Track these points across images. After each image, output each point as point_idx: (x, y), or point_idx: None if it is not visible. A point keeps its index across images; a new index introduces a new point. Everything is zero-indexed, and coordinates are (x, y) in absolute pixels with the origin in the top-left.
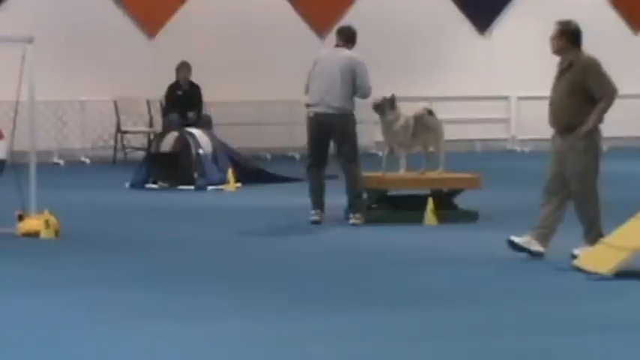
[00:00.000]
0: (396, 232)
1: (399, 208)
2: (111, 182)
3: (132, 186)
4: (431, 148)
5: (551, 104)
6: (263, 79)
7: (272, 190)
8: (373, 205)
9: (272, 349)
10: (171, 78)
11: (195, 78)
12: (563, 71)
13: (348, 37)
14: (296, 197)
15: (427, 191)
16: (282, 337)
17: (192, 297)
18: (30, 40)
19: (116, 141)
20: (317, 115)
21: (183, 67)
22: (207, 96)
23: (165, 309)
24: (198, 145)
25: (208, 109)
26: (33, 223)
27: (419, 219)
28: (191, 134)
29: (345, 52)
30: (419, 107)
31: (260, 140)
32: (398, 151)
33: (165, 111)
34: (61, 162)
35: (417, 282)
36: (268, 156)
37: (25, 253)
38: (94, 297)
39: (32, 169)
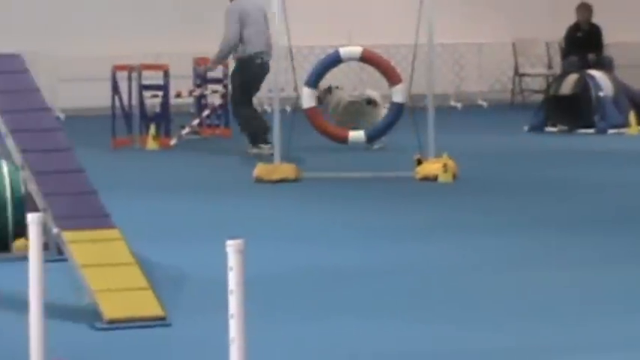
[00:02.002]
0: None
1: None
2: (508, 125)
3: (530, 129)
4: None
5: None
6: None
7: None
8: None
9: None
10: (570, 19)
11: (596, 19)
12: None
13: None
14: None
15: None
16: None
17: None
18: None
19: (514, 84)
20: (266, 63)
21: (583, 8)
22: (608, 37)
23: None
24: (598, 88)
25: (609, 51)
26: (431, 166)
27: None
28: (591, 76)
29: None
30: (364, 94)
31: None
32: None
33: (565, 53)
34: (458, 105)
35: None
36: None
37: (423, 197)
38: (479, 243)
39: (430, 113)
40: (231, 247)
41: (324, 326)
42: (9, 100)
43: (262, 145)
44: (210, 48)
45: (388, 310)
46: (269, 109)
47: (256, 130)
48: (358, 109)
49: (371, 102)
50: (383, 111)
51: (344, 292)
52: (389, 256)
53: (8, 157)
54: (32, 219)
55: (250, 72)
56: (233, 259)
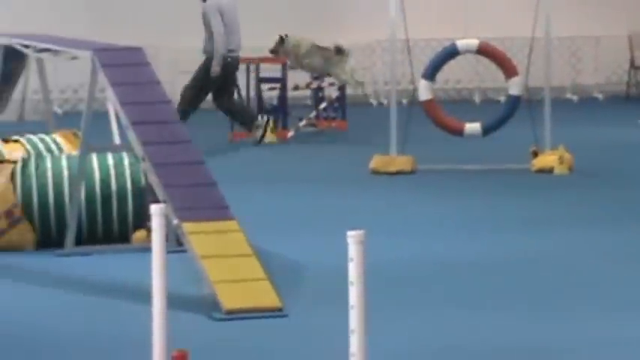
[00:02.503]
0: None
1: None
2: (624, 118)
3: None
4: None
5: None
6: None
7: None
8: None
9: None
10: None
11: None
12: None
13: None
14: None
15: None
16: None
17: None
18: None
19: (630, 76)
20: (236, 60)
21: None
22: None
23: None
24: None
25: None
26: (547, 159)
27: None
28: None
29: None
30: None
31: None
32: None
33: None
34: (574, 98)
35: None
36: None
37: (539, 189)
38: (596, 236)
39: (547, 105)
40: (352, 238)
41: (441, 317)
42: (131, 93)
43: (256, 122)
44: (330, 39)
45: (505, 304)
46: (385, 102)
47: (244, 116)
48: (327, 57)
49: (340, 51)
50: (349, 63)
51: (460, 284)
52: (504, 249)
53: (129, 149)
54: (155, 210)
55: (226, 69)
56: (354, 250)
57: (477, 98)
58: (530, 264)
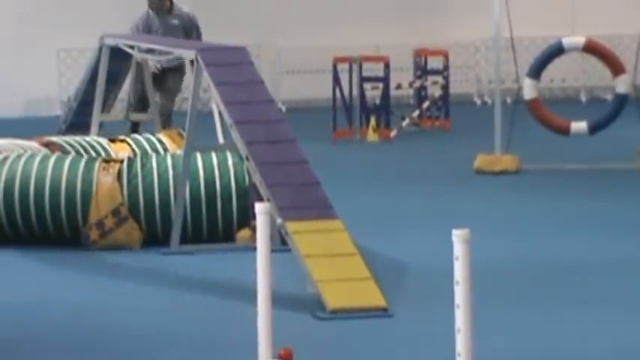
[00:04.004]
0: None
1: None
2: None
3: None
4: None
5: None
6: None
7: None
8: None
9: None
10: None
11: None
12: None
13: None
14: None
15: None
16: None
17: None
18: None
19: None
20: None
21: None
22: None
23: None
24: None
25: None
26: None
27: None
28: None
29: None
30: None
31: None
32: None
33: None
34: None
35: None
36: None
37: None
38: None
39: None
40: (458, 236)
41: (548, 318)
42: (234, 92)
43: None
44: (433, 38)
45: (613, 305)
46: (489, 101)
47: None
48: None
49: None
50: None
51: (566, 284)
52: (610, 250)
53: (233, 148)
54: (260, 208)
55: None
56: (459, 249)
57: (583, 97)
58: (636, 265)
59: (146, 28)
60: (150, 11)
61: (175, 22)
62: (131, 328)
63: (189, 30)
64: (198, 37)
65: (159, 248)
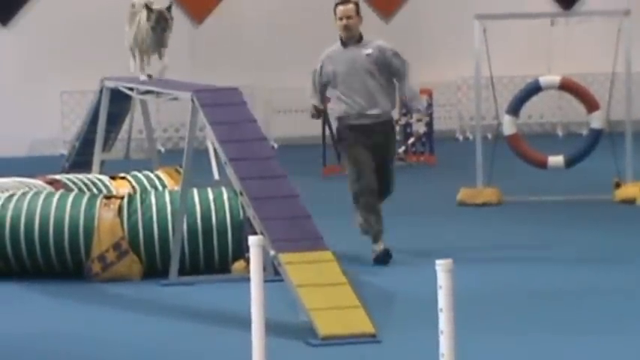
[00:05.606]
0: None
1: None
2: None
3: None
4: None
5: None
6: None
7: None
8: None
9: None
10: None
11: None
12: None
13: None
14: None
15: None
16: None
17: None
18: (627, 13)
19: None
20: None
21: None
22: None
23: None
24: None
25: None
26: (630, 190)
27: None
28: None
29: None
30: None
31: None
32: None
33: None
34: None
35: None
36: None
37: (621, 219)
38: None
39: (628, 138)
40: (441, 266)
41: (530, 343)
42: (229, 131)
43: None
44: (416, 77)
45: (590, 331)
46: (471, 137)
47: None
48: None
49: None
50: None
51: (546, 311)
52: (588, 278)
53: (228, 184)
54: (253, 241)
55: None
56: (443, 278)
57: (559, 132)
58: (613, 292)
59: None
60: None
61: None
62: (132, 356)
63: None
64: None
65: (158, 280)
